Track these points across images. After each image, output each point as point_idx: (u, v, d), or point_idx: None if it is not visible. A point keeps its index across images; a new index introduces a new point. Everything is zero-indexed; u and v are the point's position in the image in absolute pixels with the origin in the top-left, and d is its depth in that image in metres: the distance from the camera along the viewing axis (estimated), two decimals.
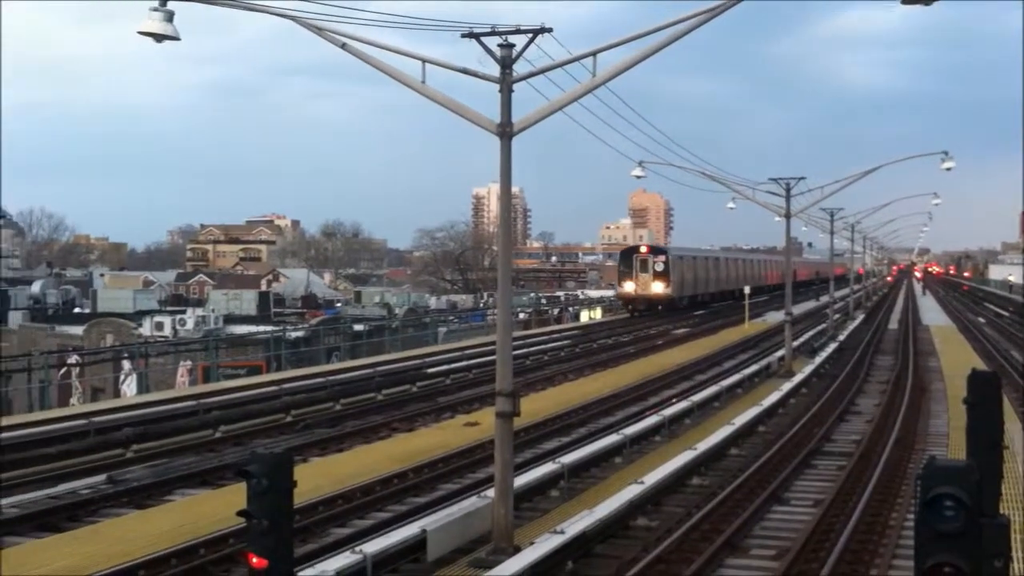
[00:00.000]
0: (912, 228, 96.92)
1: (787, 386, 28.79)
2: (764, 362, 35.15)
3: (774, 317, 56.89)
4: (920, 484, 5.34)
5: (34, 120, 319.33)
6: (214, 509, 14.91)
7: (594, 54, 13.33)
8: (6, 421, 24.62)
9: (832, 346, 41.66)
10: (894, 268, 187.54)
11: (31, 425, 21.95)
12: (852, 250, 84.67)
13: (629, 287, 62.45)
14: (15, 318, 60.91)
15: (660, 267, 61.44)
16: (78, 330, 54.64)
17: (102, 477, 18.07)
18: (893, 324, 61.80)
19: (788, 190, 35.15)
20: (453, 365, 34.20)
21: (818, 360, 36.21)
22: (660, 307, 62.14)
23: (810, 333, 48.45)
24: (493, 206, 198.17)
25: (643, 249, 64.83)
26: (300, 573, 9.53)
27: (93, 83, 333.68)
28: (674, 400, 26.50)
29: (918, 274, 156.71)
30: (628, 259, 63.67)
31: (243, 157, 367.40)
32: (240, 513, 7.75)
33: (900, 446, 21.14)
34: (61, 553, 13.18)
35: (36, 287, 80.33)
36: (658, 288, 61.30)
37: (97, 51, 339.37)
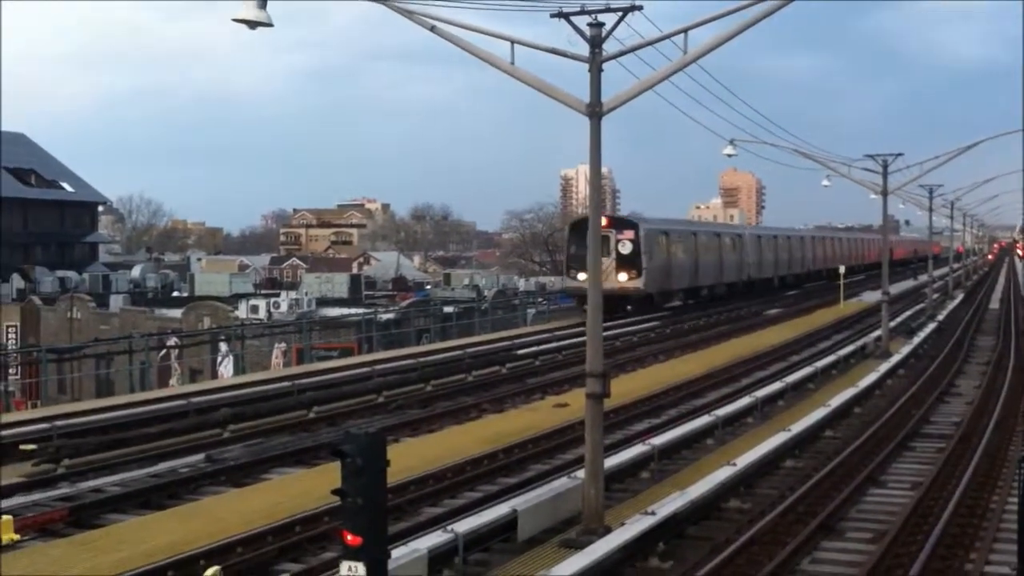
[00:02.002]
0: (1014, 205, 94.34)
1: (884, 367, 28.25)
2: (860, 343, 34.51)
3: (871, 297, 55.81)
4: (1023, 466, 5.19)
5: (135, 109, 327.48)
6: (309, 488, 15.14)
7: (685, 31, 13.18)
8: (109, 402, 25.33)
9: (931, 326, 40.74)
10: (995, 246, 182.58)
11: (133, 406, 22.54)
12: (951, 228, 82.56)
13: (582, 277, 39.82)
14: (116, 302, 62.39)
15: (627, 248, 44.12)
16: (177, 313, 55.79)
17: (201, 456, 18.46)
18: (994, 303, 60.22)
19: (885, 167, 34.37)
20: (543, 347, 34.22)
21: (916, 340, 35.46)
22: (629, 307, 45.07)
23: (908, 313, 47.47)
24: (582, 187, 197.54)
25: (602, 221, 48.38)
26: (393, 551, 9.62)
27: (191, 71, 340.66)
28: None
29: (1021, 252, 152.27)
30: (579, 237, 42.31)
31: (335, 141, 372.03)
32: (335, 492, 7.87)
33: (1001, 428, 20.62)
34: (162, 529, 13.51)
35: (136, 271, 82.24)
36: (623, 278, 43.91)
37: (196, 40, 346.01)
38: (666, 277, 47.98)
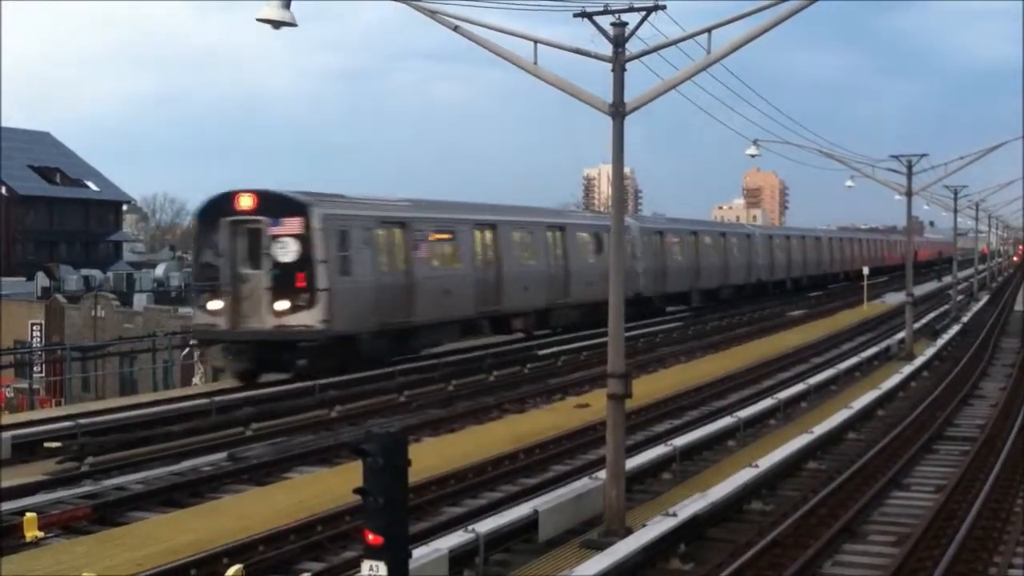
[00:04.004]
0: None
1: (908, 369, 28.08)
2: (883, 344, 34.32)
3: (894, 299, 55.53)
4: None
5: (160, 108, 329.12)
6: (331, 487, 15.18)
7: (709, 31, 13.12)
8: (133, 400, 25.46)
9: (955, 328, 40.48)
10: (1020, 247, 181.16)
11: (156, 404, 22.66)
12: (976, 229, 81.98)
13: (214, 307, 25.58)
14: (140, 300, 62.69)
15: (288, 252, 25.38)
16: None
17: (223, 455, 18.54)
18: (1019, 305, 59.77)
19: (910, 167, 34.19)
20: (564, 347, 34.17)
21: (940, 342, 35.25)
22: (301, 361, 24.96)
23: (932, 315, 47.20)
24: (604, 187, 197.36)
25: (245, 203, 25.77)
26: (414, 551, 9.63)
27: (217, 71, 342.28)
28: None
29: None
30: (210, 236, 26.15)
31: (359, 141, 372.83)
32: (357, 491, 7.88)
33: None
34: (185, 527, 13.58)
35: (160, 270, 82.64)
36: (281, 308, 25.02)
37: (222, 40, 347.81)
38: (397, 303, 27.51)
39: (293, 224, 25.41)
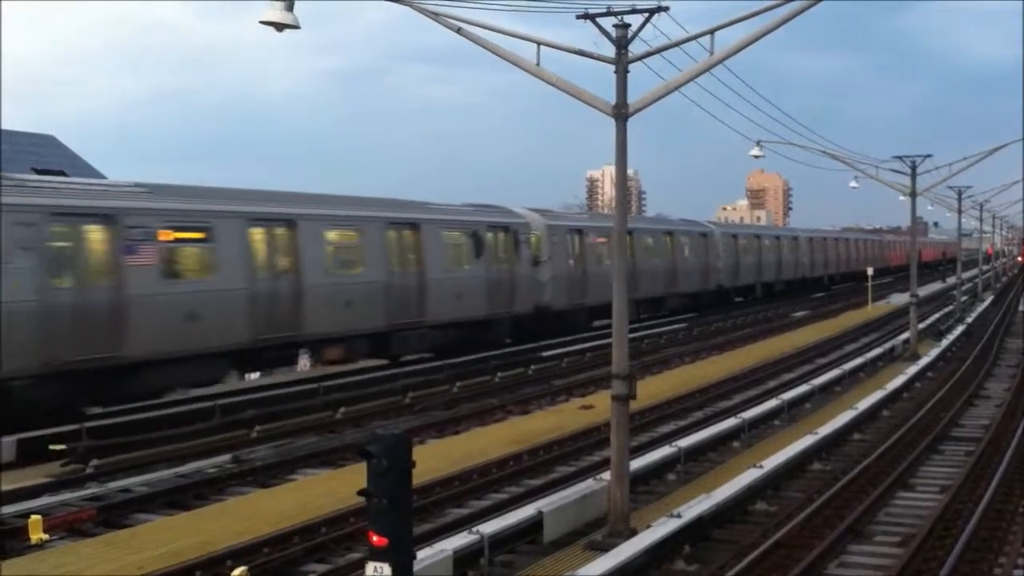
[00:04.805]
0: None
1: (912, 369, 28.07)
2: (888, 345, 34.31)
3: (898, 299, 55.46)
4: None
5: (163, 108, 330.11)
6: (335, 488, 15.19)
7: (711, 32, 13.13)
8: (137, 402, 25.39)
9: (959, 328, 40.44)
10: None
11: (160, 407, 22.63)
12: (980, 229, 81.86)
13: None
14: None
15: None
16: None
17: (227, 457, 18.54)
18: None
19: (914, 168, 34.20)
20: (568, 348, 34.16)
21: (945, 343, 35.22)
22: None
23: (936, 315, 47.17)
24: (607, 189, 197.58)
25: None
26: (419, 552, 9.64)
27: (219, 71, 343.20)
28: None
29: None
30: None
31: (360, 140, 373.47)
32: (361, 492, 7.87)
33: None
34: (189, 529, 13.58)
35: None
36: None
37: (225, 40, 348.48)
38: (90, 332, 19.60)
39: None
